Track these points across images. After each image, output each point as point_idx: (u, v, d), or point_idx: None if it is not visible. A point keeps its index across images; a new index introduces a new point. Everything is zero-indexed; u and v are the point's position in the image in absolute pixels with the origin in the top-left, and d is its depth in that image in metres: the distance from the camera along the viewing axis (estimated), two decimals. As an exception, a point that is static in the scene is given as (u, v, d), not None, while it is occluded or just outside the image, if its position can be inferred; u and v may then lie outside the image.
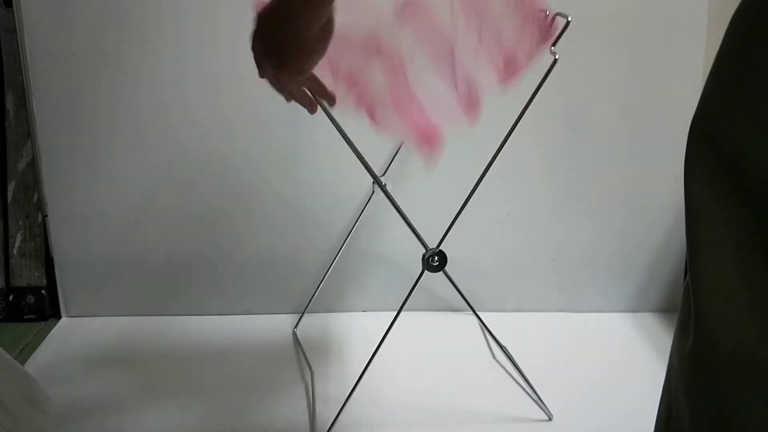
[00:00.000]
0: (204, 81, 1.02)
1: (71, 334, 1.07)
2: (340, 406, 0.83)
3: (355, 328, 1.08)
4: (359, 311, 1.12)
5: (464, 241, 1.10)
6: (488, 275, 1.12)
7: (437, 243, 0.79)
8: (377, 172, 1.05)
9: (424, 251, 0.78)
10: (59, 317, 1.12)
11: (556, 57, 0.69)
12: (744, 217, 0.38)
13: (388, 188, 1.04)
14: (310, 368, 0.95)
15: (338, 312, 1.10)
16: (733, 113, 0.39)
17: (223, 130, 1.05)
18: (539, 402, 0.87)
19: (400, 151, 1.03)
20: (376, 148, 1.05)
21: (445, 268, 1.11)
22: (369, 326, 1.09)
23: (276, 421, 0.85)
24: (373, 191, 1.06)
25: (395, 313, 1.08)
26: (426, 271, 0.78)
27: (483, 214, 1.09)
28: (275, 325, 1.09)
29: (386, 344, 1.03)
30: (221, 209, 1.08)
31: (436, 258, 0.79)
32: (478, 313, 1.13)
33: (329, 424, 0.82)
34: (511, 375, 0.95)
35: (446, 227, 1.10)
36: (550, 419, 0.85)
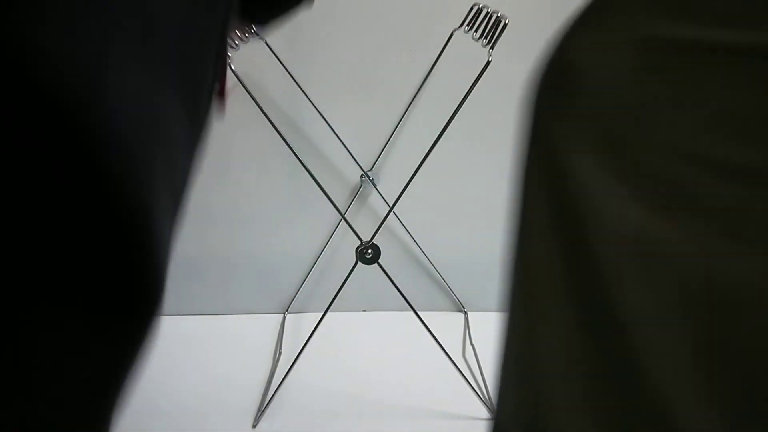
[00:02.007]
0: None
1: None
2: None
3: (355, 328, 1.08)
4: (359, 311, 1.12)
5: (464, 241, 1.11)
6: (488, 275, 1.12)
7: (373, 236, 0.83)
8: (365, 167, 1.06)
9: (359, 244, 0.82)
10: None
11: (490, 59, 0.71)
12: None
13: (377, 183, 1.06)
14: (280, 353, 0.99)
15: (338, 312, 1.10)
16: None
17: (223, 131, 1.05)
18: (486, 400, 0.88)
19: (387, 148, 1.04)
20: (365, 145, 1.06)
21: (443, 268, 1.13)
22: (369, 325, 1.09)
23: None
24: (362, 185, 1.06)
25: (395, 312, 1.08)
26: (360, 263, 0.83)
27: (483, 214, 1.09)
28: (274, 324, 1.09)
29: (363, 343, 1.05)
30: (220, 209, 1.08)
31: (369, 251, 0.82)
32: (476, 313, 1.14)
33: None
34: (472, 372, 0.96)
35: (436, 222, 1.11)
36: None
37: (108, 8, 0.27)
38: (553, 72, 0.35)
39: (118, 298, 0.31)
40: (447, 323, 1.09)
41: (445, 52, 0.99)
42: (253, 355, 1.00)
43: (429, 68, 1.01)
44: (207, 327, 1.09)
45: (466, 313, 1.12)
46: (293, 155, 0.79)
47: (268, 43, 0.98)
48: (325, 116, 1.02)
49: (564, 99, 0.33)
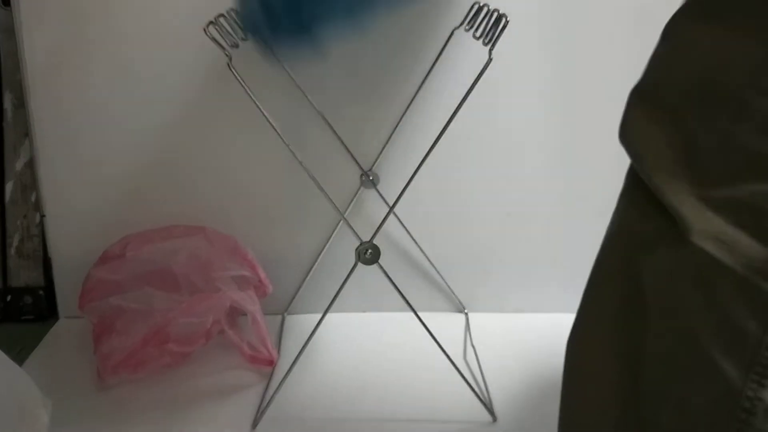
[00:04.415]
0: (201, 82, 1.02)
1: (69, 335, 1.07)
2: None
3: (355, 329, 1.08)
4: (359, 311, 1.12)
5: (464, 242, 1.10)
6: (488, 275, 1.12)
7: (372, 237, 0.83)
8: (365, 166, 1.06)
9: (359, 244, 0.81)
10: (57, 318, 1.11)
11: (491, 58, 0.71)
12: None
13: (377, 183, 1.05)
14: (280, 354, 0.98)
15: (338, 312, 1.09)
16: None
17: (222, 131, 1.04)
18: (487, 402, 0.87)
19: (387, 148, 1.04)
20: (365, 145, 1.05)
21: (443, 268, 1.12)
22: (369, 326, 1.09)
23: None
24: (362, 185, 1.06)
25: (395, 313, 1.08)
26: (360, 264, 0.82)
27: (483, 214, 1.09)
28: (274, 324, 1.09)
29: (363, 344, 1.04)
30: (220, 210, 1.08)
31: (369, 251, 0.81)
32: (476, 314, 1.14)
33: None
34: (473, 374, 0.95)
35: (437, 223, 1.11)
36: (494, 420, 0.86)
37: None
38: None
39: None
40: (447, 324, 1.09)
41: (445, 50, 0.99)
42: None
43: (429, 67, 1.01)
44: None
45: (466, 314, 1.12)
46: (292, 155, 0.79)
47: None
48: (324, 116, 1.02)
49: None
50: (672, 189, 0.45)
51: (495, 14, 0.75)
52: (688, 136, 0.44)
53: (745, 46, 0.41)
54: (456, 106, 0.74)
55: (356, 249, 0.82)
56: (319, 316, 0.86)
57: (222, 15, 0.79)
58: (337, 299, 0.85)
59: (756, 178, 0.41)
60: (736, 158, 0.42)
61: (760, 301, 0.40)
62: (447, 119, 0.75)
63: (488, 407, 0.87)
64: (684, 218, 0.44)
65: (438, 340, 0.86)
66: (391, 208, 0.82)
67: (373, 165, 1.06)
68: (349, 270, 0.84)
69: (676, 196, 0.45)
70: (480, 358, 0.99)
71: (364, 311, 1.12)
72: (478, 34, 0.79)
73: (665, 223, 0.46)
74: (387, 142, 1.05)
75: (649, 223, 0.47)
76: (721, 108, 0.42)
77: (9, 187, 1.10)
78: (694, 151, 0.44)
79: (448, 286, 1.12)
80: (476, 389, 0.88)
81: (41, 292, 1.11)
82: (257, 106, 0.77)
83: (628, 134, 0.50)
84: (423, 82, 1.02)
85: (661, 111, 0.47)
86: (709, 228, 0.43)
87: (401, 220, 1.07)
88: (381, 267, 0.83)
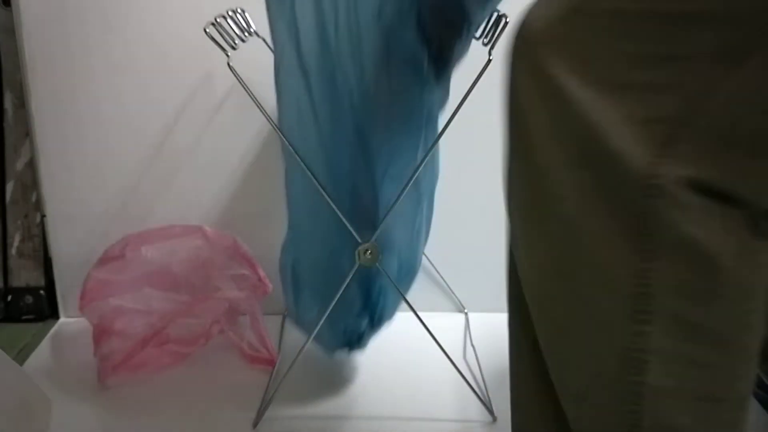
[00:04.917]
0: (203, 84, 1.02)
1: (70, 334, 1.07)
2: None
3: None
4: (359, 312, 1.12)
5: (465, 241, 1.10)
6: (489, 275, 1.11)
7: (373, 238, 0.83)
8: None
9: (359, 244, 0.81)
10: (58, 318, 1.11)
11: (491, 58, 0.71)
12: None
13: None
14: (280, 353, 0.98)
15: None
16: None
17: (222, 131, 1.04)
18: (486, 402, 0.87)
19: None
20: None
21: (443, 268, 1.12)
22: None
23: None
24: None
25: (396, 312, 1.07)
26: (361, 264, 0.82)
27: (483, 214, 1.09)
28: (274, 324, 1.09)
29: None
30: (219, 209, 1.08)
31: (369, 251, 0.81)
32: (476, 314, 1.13)
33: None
34: (473, 374, 0.95)
35: (436, 222, 1.11)
36: (494, 420, 0.86)
37: None
38: None
39: None
40: (447, 324, 1.09)
41: (445, 51, 0.99)
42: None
43: (429, 68, 1.01)
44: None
45: (466, 313, 1.12)
46: (293, 155, 0.79)
47: (268, 42, 0.97)
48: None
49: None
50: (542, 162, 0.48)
51: (495, 14, 0.75)
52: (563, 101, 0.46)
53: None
54: (456, 106, 0.75)
55: (356, 249, 0.82)
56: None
57: (222, 16, 0.79)
58: (337, 299, 0.84)
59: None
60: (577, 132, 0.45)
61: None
62: (447, 119, 0.75)
63: (488, 407, 0.87)
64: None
65: (438, 340, 0.86)
66: (391, 207, 0.82)
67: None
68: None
69: (545, 167, 0.47)
70: (480, 358, 0.99)
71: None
72: (477, 34, 0.79)
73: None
74: (387, 142, 1.04)
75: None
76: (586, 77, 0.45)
77: (10, 186, 1.10)
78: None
79: (448, 286, 1.12)
80: (476, 389, 0.88)
81: (42, 292, 1.11)
82: (257, 106, 0.77)
83: None
84: (423, 82, 1.02)
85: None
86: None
87: (401, 220, 1.07)
88: (381, 268, 0.83)
